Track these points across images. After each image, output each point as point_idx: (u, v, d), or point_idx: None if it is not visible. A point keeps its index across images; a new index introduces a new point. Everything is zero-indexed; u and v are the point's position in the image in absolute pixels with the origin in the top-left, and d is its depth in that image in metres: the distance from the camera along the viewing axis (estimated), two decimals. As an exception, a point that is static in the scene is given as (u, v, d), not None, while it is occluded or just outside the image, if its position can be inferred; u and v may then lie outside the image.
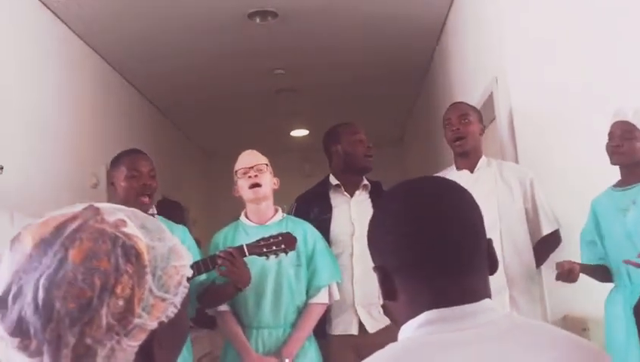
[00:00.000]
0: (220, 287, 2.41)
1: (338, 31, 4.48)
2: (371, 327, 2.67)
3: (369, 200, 2.80)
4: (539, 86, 2.99)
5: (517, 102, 3.01)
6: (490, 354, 0.83)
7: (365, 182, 2.84)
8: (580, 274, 2.39)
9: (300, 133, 7.44)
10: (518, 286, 2.51)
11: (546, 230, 2.62)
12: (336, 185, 2.83)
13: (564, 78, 2.95)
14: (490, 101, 3.30)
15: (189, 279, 0.81)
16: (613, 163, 2.44)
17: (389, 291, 0.91)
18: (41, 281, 0.71)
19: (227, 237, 2.59)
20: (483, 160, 2.70)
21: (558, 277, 2.39)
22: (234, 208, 2.78)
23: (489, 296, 0.90)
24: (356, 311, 2.68)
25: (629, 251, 2.28)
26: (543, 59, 3.00)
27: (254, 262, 2.41)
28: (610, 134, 2.43)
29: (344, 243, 2.71)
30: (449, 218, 0.89)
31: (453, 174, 2.65)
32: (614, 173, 2.49)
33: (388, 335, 2.73)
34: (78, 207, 0.79)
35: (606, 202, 2.50)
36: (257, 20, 4.08)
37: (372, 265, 2.91)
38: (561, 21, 3.03)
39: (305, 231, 2.57)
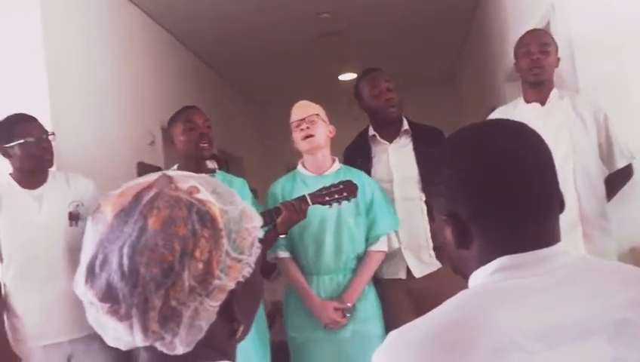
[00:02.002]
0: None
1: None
2: (418, 271, 2.69)
3: (410, 145, 2.77)
4: (601, 12, 2.81)
5: (577, 30, 2.86)
6: (565, 298, 0.82)
7: (405, 127, 2.80)
8: None
9: (348, 77, 7.34)
10: (592, 222, 2.45)
11: (620, 163, 2.54)
12: (373, 136, 2.82)
13: (626, 2, 2.77)
14: (547, 30, 3.15)
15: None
16: None
17: (462, 239, 0.90)
18: (125, 249, 0.75)
19: (285, 188, 2.62)
20: (555, 92, 2.57)
21: None
22: (289, 157, 2.80)
23: (560, 239, 0.88)
24: (403, 255, 2.69)
25: None
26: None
27: (314, 212, 2.44)
28: None
29: (385, 190, 2.70)
30: (527, 164, 0.87)
31: (522, 107, 2.55)
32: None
33: (435, 280, 2.72)
34: (152, 177, 0.82)
35: None
36: (300, -36, 3.99)
37: (415, 209, 2.85)
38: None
39: (362, 181, 2.58)
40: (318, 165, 2.62)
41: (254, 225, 0.83)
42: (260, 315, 2.55)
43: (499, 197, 0.87)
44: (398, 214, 2.69)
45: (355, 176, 2.57)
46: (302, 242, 2.56)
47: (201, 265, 0.75)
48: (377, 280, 2.70)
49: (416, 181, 2.69)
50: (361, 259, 2.59)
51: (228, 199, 0.82)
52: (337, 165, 2.65)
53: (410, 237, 2.69)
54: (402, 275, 2.70)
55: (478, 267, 0.89)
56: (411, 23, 5.56)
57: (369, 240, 2.59)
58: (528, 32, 2.65)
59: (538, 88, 2.56)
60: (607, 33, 2.79)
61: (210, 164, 2.57)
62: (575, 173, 2.43)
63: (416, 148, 2.75)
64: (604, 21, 2.80)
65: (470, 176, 0.89)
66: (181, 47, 5.40)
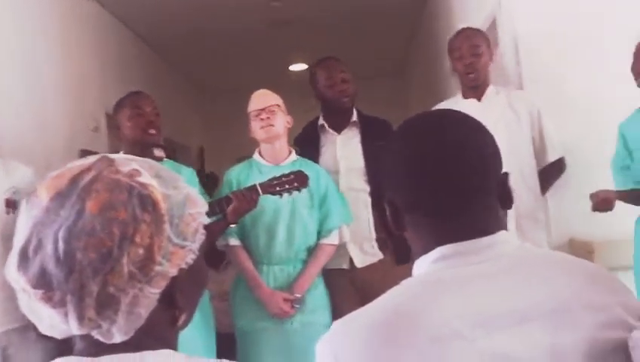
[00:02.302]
0: (210, 225, 2.41)
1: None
2: (360, 262, 2.71)
3: (358, 136, 2.79)
4: (546, 9, 2.89)
5: (522, 27, 2.93)
6: (505, 286, 0.84)
7: (354, 118, 2.81)
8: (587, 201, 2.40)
9: (298, 67, 7.31)
10: (525, 213, 2.53)
11: (552, 157, 2.63)
12: (322, 126, 2.82)
13: (572, 4, 2.86)
14: (493, 27, 3.21)
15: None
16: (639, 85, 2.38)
17: (398, 225, 0.92)
18: (61, 233, 0.72)
19: (241, 176, 2.61)
20: (491, 88, 2.65)
21: (595, 208, 2.38)
22: (236, 144, 2.78)
23: (505, 228, 0.90)
24: (346, 246, 2.71)
25: None
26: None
27: (268, 201, 2.44)
28: (636, 54, 2.36)
29: None
30: (454, 154, 0.88)
31: (460, 103, 2.62)
32: (628, 99, 2.44)
33: (378, 270, 2.77)
34: (91, 159, 0.79)
35: (635, 125, 2.46)
36: (251, -49, 3.94)
37: (359, 200, 2.90)
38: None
39: (317, 173, 2.59)
40: (275, 155, 2.62)
41: (199, 210, 0.82)
42: (207, 306, 2.52)
43: (422, 188, 0.88)
44: None
45: (311, 167, 2.58)
46: (254, 231, 2.55)
47: (141, 251, 0.74)
48: (322, 271, 2.71)
49: (362, 173, 2.71)
50: (311, 250, 2.59)
51: (171, 183, 0.80)
52: (294, 156, 2.65)
53: (354, 228, 2.71)
54: (345, 265, 2.72)
55: (420, 255, 0.90)
56: (362, 14, 5.57)
57: (322, 233, 2.60)
58: (459, 34, 2.69)
59: (475, 87, 2.63)
60: (551, 30, 2.87)
61: (158, 152, 2.52)
62: (509, 166, 2.49)
63: (364, 140, 2.76)
64: (549, 19, 2.88)
65: (400, 166, 0.91)
66: (127, 32, 5.26)
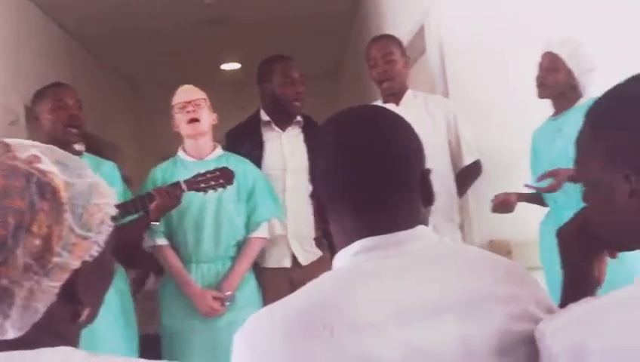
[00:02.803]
0: (131, 223, 2.36)
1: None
2: (304, 260, 2.72)
3: (302, 135, 2.80)
4: (471, 18, 2.99)
5: (448, 35, 3.02)
6: (421, 279, 0.86)
7: (298, 118, 2.82)
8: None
9: (231, 66, 7.25)
10: (441, 214, 2.59)
11: (467, 160, 2.72)
12: (267, 122, 2.80)
13: (497, 10, 2.97)
14: (421, 33, 3.30)
15: (115, 218, 0.79)
16: (539, 97, 2.50)
17: (323, 219, 0.93)
18: None
19: (166, 173, 2.56)
20: (409, 93, 2.73)
21: (494, 210, 2.50)
22: (164, 142, 2.72)
23: (425, 223, 0.92)
24: (289, 244, 2.71)
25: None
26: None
27: (194, 198, 2.40)
28: (539, 66, 2.48)
29: (276, 178, 2.72)
30: (375, 148, 0.90)
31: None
32: (547, 106, 2.55)
33: (320, 267, 2.81)
34: None
35: (542, 132, 2.58)
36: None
37: (303, 199, 2.91)
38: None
39: (245, 168, 2.57)
40: (199, 150, 2.57)
41: (105, 201, 0.78)
42: (130, 305, 2.46)
43: (343, 180, 0.89)
44: (287, 203, 2.70)
45: (238, 162, 2.55)
46: (181, 229, 2.51)
47: (38, 241, 0.70)
48: (259, 269, 2.69)
49: (306, 171, 2.70)
50: (241, 246, 2.57)
51: (75, 171, 0.76)
52: (219, 151, 2.62)
53: (297, 227, 2.71)
54: (287, 264, 2.71)
55: (342, 247, 0.91)
56: (296, 16, 5.59)
57: (250, 227, 2.57)
58: (372, 43, 2.77)
59: (393, 94, 2.71)
60: (475, 39, 2.97)
61: (78, 147, 2.42)
62: None
63: (306, 140, 2.77)
64: (474, 27, 2.98)
65: (323, 158, 0.92)
66: (51, 24, 5.06)
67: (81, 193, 0.75)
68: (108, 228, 0.77)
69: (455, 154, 2.71)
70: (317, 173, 0.93)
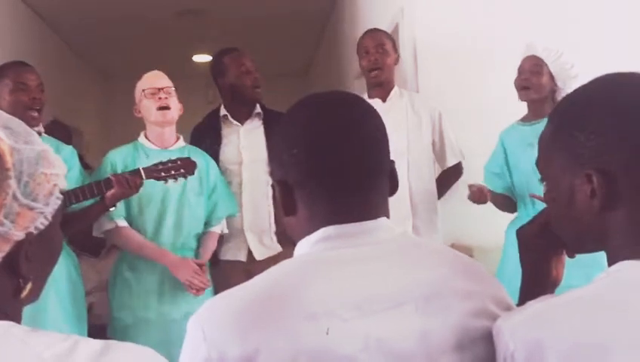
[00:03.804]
0: (86, 208, 2.30)
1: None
2: (259, 254, 2.70)
3: (261, 128, 2.77)
4: (445, 19, 3.01)
5: (421, 35, 3.04)
6: (383, 270, 0.85)
7: (258, 110, 2.79)
8: (472, 206, 2.51)
9: (203, 58, 7.17)
10: (421, 216, 2.61)
11: (450, 161, 2.72)
12: (224, 116, 2.78)
13: (471, 12, 2.99)
14: (395, 33, 3.30)
15: (68, 198, 0.76)
16: (521, 99, 2.49)
17: (288, 205, 0.90)
18: None
19: (127, 158, 2.48)
20: (395, 90, 2.71)
21: (471, 197, 2.49)
22: (131, 133, 2.67)
23: (387, 215, 0.91)
24: (246, 237, 2.69)
25: (536, 184, 2.36)
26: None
27: (156, 187, 2.36)
28: (520, 68, 2.48)
29: (233, 172, 2.70)
30: (350, 133, 0.88)
31: None
32: (517, 110, 2.57)
33: (276, 263, 2.79)
34: None
35: (514, 136, 2.57)
36: None
37: (261, 192, 2.88)
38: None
39: (207, 163, 2.55)
40: (163, 139, 2.52)
41: (55, 172, 0.74)
42: (80, 293, 2.40)
43: (317, 163, 0.87)
44: (244, 196, 2.68)
45: (200, 156, 2.52)
46: (141, 218, 2.45)
47: None
48: (215, 262, 2.66)
49: (264, 164, 2.69)
50: (199, 239, 2.55)
51: (22, 138, 0.72)
52: (182, 142, 2.58)
53: (254, 220, 2.69)
54: (242, 257, 2.69)
55: (305, 236, 0.89)
56: (271, 12, 5.56)
57: (212, 222, 2.56)
58: (366, 33, 2.76)
59: (379, 87, 2.68)
60: (448, 40, 2.99)
61: (37, 129, 2.35)
62: (409, 168, 2.59)
63: (267, 132, 2.74)
64: (447, 28, 3.00)
65: (294, 140, 0.89)
66: (22, 5, 4.93)
67: (28, 160, 0.71)
68: (56, 200, 0.74)
69: (439, 155, 2.71)
70: (285, 156, 0.90)
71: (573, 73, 2.43)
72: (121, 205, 2.39)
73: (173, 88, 2.51)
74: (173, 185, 2.36)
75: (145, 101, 2.46)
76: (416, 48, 3.03)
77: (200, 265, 2.42)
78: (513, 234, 2.58)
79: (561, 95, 2.44)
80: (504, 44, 2.81)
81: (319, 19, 5.95)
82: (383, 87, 2.69)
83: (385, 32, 2.80)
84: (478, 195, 2.48)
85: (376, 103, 2.63)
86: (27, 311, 0.77)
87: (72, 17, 5.42)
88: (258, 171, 2.68)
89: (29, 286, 0.73)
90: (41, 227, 0.72)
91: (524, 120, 2.57)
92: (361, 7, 4.42)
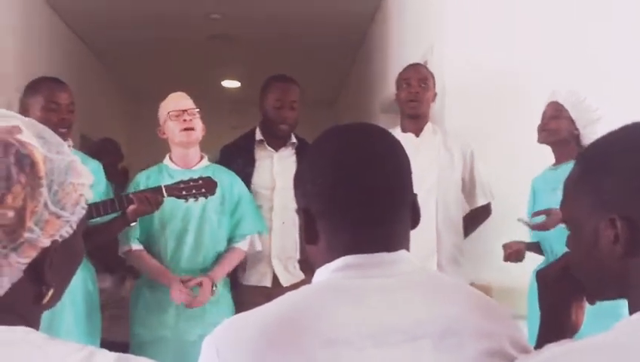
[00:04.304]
0: (107, 222, 2.33)
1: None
2: (285, 281, 2.70)
3: (294, 156, 2.80)
4: (473, 61, 3.02)
5: (449, 74, 3.05)
6: (401, 302, 0.85)
7: (293, 140, 2.82)
8: (491, 246, 2.52)
9: (231, 83, 7.29)
10: (446, 254, 2.59)
11: (480, 201, 2.71)
12: (260, 140, 2.80)
13: (500, 59, 2.99)
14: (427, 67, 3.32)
15: (94, 211, 0.78)
16: (539, 141, 2.51)
17: (310, 234, 0.91)
18: None
19: (150, 178, 2.53)
20: (429, 126, 2.71)
21: (506, 258, 2.50)
22: (155, 151, 2.71)
23: (407, 248, 0.91)
24: (271, 263, 2.70)
25: (558, 229, 2.34)
26: (481, 35, 3.03)
27: (178, 205, 2.38)
28: (543, 114, 2.51)
29: (264, 197, 2.72)
30: (377, 165, 0.89)
31: (397, 135, 2.64)
32: (542, 153, 2.56)
33: None
34: None
35: (542, 181, 2.57)
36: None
37: (290, 219, 2.88)
38: (503, 2, 3.06)
39: (231, 180, 2.56)
40: (187, 160, 2.55)
41: (82, 181, 0.76)
42: (96, 306, 2.42)
43: (342, 194, 0.88)
44: (274, 222, 2.70)
45: (225, 174, 2.54)
46: (163, 236, 2.48)
47: (11, 214, 0.67)
48: (238, 286, 2.67)
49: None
50: None
51: (55, 148, 0.74)
52: (206, 162, 2.60)
53: (282, 247, 2.71)
54: (267, 283, 2.69)
55: (325, 264, 0.89)
56: (301, 41, 5.64)
57: (234, 239, 2.56)
58: (410, 66, 2.79)
59: (415, 120, 2.68)
60: (476, 80, 2.99)
61: (67, 143, 2.39)
62: (438, 205, 2.58)
63: (299, 161, 2.75)
64: (475, 68, 3.00)
65: (320, 170, 0.90)
66: (60, 22, 5.07)
67: (58, 170, 0.73)
68: (82, 210, 0.76)
69: (468, 194, 2.70)
70: (309, 185, 0.91)
71: (595, 117, 2.43)
72: (137, 227, 2.42)
73: (197, 110, 2.54)
74: (194, 204, 2.38)
75: (169, 123, 2.50)
76: (444, 86, 3.04)
77: (185, 281, 2.39)
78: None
79: (586, 139, 2.43)
80: (532, 85, 2.81)
81: (349, 51, 6.02)
82: (417, 122, 2.69)
83: (427, 69, 2.80)
84: (514, 256, 2.49)
85: (409, 137, 2.64)
86: (43, 318, 0.78)
87: (109, 37, 5.55)
88: (289, 198, 2.67)
89: (50, 292, 0.74)
90: (66, 235, 0.74)
91: (553, 165, 2.57)
92: (391, 41, 4.46)
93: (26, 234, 0.69)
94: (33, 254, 0.70)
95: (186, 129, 2.48)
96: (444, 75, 3.06)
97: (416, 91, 2.64)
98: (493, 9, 3.06)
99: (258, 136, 2.82)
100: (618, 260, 0.80)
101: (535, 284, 2.46)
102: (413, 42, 3.74)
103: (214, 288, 2.42)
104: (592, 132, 2.42)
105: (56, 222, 0.72)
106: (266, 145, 2.79)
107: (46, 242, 0.71)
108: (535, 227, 2.37)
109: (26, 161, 0.70)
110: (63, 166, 0.74)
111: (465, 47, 3.06)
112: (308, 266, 2.70)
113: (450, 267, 2.59)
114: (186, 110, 2.49)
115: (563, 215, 0.92)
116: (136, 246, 2.48)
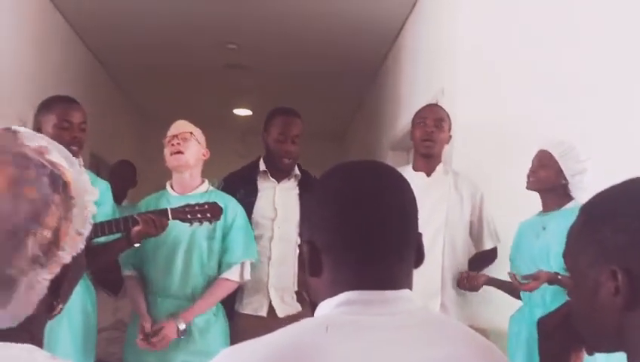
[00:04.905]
0: (110, 242, 2.34)
1: (297, 17, 4.45)
2: (281, 311, 2.69)
3: (297, 188, 2.81)
4: (483, 104, 3.06)
5: (460, 116, 3.07)
6: (399, 342, 0.85)
7: (296, 172, 2.84)
8: (490, 289, 2.55)
9: (243, 112, 7.35)
10: (450, 295, 2.59)
11: (487, 245, 2.72)
12: (263, 171, 2.82)
13: (509, 100, 3.03)
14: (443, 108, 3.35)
15: (98, 231, 0.80)
16: (527, 187, 2.55)
17: (314, 267, 0.91)
18: None
19: (149, 206, 2.54)
20: (441, 167, 2.73)
21: (458, 283, 2.56)
22: (164, 175, 2.74)
23: (410, 287, 0.91)
24: (269, 293, 2.69)
25: (532, 271, 2.37)
26: (493, 79, 3.08)
27: (171, 229, 2.38)
28: (532, 162, 2.54)
29: (265, 227, 2.73)
30: (384, 203, 0.90)
31: (409, 173, 2.65)
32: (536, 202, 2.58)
33: (296, 322, 2.77)
34: None
35: (527, 225, 2.59)
36: (217, -10, 4.01)
37: (289, 250, 2.90)
38: (513, 47, 3.10)
39: (226, 205, 2.54)
40: (184, 185, 2.57)
41: (92, 198, 0.79)
42: (93, 327, 2.41)
43: (347, 229, 0.89)
44: (273, 252, 2.70)
45: (222, 199, 2.53)
46: (154, 260, 2.50)
47: (49, 234, 0.70)
48: (235, 314, 2.66)
49: (296, 224, 2.71)
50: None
51: (76, 168, 0.77)
52: (205, 186, 2.61)
53: (279, 277, 2.71)
54: (263, 313, 2.68)
55: (327, 298, 0.90)
56: (314, 75, 5.71)
57: (222, 267, 2.54)
58: (428, 105, 2.84)
59: (427, 159, 2.70)
60: (485, 123, 3.02)
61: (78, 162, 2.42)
62: (445, 245, 2.58)
63: (301, 193, 2.78)
64: (484, 112, 3.04)
65: (327, 205, 0.91)
66: (77, 40, 5.16)
67: (82, 189, 0.76)
68: (89, 225, 0.78)
69: (476, 237, 2.71)
70: (315, 219, 0.92)
71: (581, 168, 2.44)
72: (130, 253, 2.43)
73: (192, 133, 2.55)
74: (184, 230, 2.39)
75: (165, 150, 2.56)
76: (454, 129, 3.07)
77: (157, 330, 2.38)
78: (515, 323, 2.57)
79: (574, 188, 2.45)
80: (539, 131, 2.83)
81: (360, 86, 6.08)
82: (430, 161, 2.70)
83: (444, 110, 2.82)
84: (467, 284, 2.54)
85: (420, 176, 2.65)
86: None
87: (126, 60, 5.63)
88: (289, 229, 2.71)
89: (60, 306, 0.76)
90: (79, 251, 0.76)
91: (540, 211, 2.58)
92: (403, 80, 4.51)
93: (59, 253, 0.71)
94: (57, 271, 0.72)
95: (174, 153, 2.51)
96: (455, 117, 3.08)
97: (431, 131, 2.66)
98: (504, 54, 3.10)
99: (262, 166, 2.84)
100: (618, 313, 0.80)
101: (513, 331, 2.49)
102: (425, 82, 3.78)
103: (181, 329, 2.39)
104: (579, 181, 2.45)
105: (77, 238, 0.74)
106: (269, 176, 2.81)
107: (68, 258, 0.73)
108: (522, 287, 2.38)
109: (59, 182, 0.72)
110: (83, 185, 0.76)
111: (475, 90, 3.09)
112: (304, 298, 2.70)
113: (453, 308, 2.59)
114: (176, 135, 2.53)
115: (565, 264, 0.92)
116: (127, 271, 2.52)
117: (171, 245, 2.47)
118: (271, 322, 2.62)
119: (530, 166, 2.53)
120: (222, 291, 2.52)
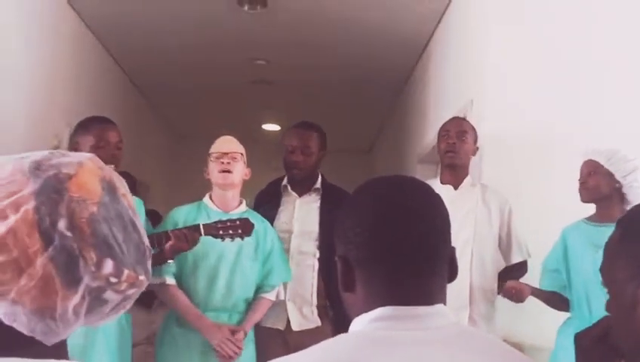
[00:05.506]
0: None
1: (325, 31, 4.49)
2: (297, 325, 2.69)
3: (318, 202, 2.82)
4: (512, 115, 3.04)
5: (488, 128, 3.06)
6: (432, 357, 0.84)
7: (317, 185, 2.84)
8: (530, 299, 2.48)
9: (271, 127, 7.41)
10: (479, 309, 2.56)
11: (515, 259, 2.67)
12: (285, 186, 2.85)
13: (539, 111, 3.01)
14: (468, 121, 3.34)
15: None
16: (582, 200, 2.50)
17: (347, 282, 0.92)
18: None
19: (188, 216, 2.58)
20: (468, 179, 2.71)
21: (503, 294, 2.49)
22: (197, 191, 2.77)
23: (444, 302, 0.91)
24: (286, 306, 2.70)
25: (595, 287, 2.29)
26: (521, 91, 3.06)
27: (214, 245, 2.42)
28: (580, 173, 2.50)
29: (283, 240, 2.74)
30: (417, 218, 0.90)
31: (436, 186, 2.65)
32: (578, 212, 2.55)
33: (316, 337, 2.79)
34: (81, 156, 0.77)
35: (578, 234, 2.54)
36: (246, 8, 4.06)
37: (306, 264, 2.93)
38: (544, 57, 3.08)
39: (265, 229, 2.60)
40: (226, 202, 2.61)
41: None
42: (128, 341, 2.44)
43: (381, 245, 0.89)
44: (290, 266, 2.71)
45: (259, 221, 2.58)
46: (195, 274, 2.52)
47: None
48: (255, 327, 2.67)
49: (314, 237, 2.74)
50: (249, 303, 2.59)
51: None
52: (244, 207, 2.65)
53: (297, 291, 2.72)
54: (281, 326, 2.70)
55: (361, 313, 0.90)
56: (339, 89, 5.74)
57: (263, 288, 2.60)
58: (452, 118, 2.84)
59: (453, 172, 2.69)
60: (514, 135, 3.01)
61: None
62: (472, 259, 2.56)
63: (322, 207, 2.79)
64: (513, 124, 3.02)
65: (360, 220, 0.91)
66: (111, 61, 5.27)
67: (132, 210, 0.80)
68: None
69: (505, 251, 2.67)
70: (349, 234, 0.92)
71: (632, 166, 2.41)
72: (173, 262, 2.45)
73: (241, 153, 2.60)
74: (229, 248, 2.42)
75: (211, 164, 2.58)
76: (482, 141, 3.05)
77: (234, 332, 2.43)
78: (565, 337, 2.50)
79: (629, 189, 2.42)
80: (569, 142, 2.80)
81: (388, 100, 6.09)
82: (456, 174, 2.69)
83: (469, 123, 2.82)
84: (512, 295, 2.46)
85: (447, 189, 2.63)
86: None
87: (157, 79, 5.73)
88: (307, 243, 2.73)
89: None
90: None
91: (591, 219, 2.53)
92: (430, 93, 4.50)
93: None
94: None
95: (222, 171, 2.54)
96: (483, 129, 3.06)
97: (454, 142, 2.66)
98: (532, 65, 3.08)
99: (284, 182, 2.87)
100: None
101: (561, 345, 2.42)
102: (452, 95, 3.77)
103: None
104: (634, 180, 2.41)
105: None
106: (290, 191, 2.83)
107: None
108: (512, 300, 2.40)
109: (131, 204, 0.77)
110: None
111: (503, 102, 3.07)
112: (325, 313, 2.70)
113: (482, 322, 2.56)
114: (226, 153, 2.56)
115: (603, 278, 0.91)
116: (170, 279, 2.50)
117: (215, 260, 2.50)
118: (289, 335, 2.66)
119: (579, 178, 2.50)
120: (264, 310, 2.60)
